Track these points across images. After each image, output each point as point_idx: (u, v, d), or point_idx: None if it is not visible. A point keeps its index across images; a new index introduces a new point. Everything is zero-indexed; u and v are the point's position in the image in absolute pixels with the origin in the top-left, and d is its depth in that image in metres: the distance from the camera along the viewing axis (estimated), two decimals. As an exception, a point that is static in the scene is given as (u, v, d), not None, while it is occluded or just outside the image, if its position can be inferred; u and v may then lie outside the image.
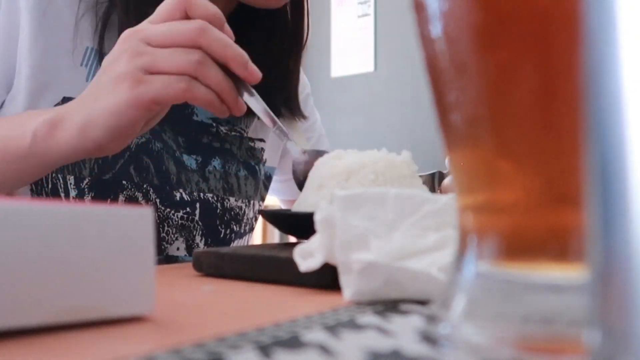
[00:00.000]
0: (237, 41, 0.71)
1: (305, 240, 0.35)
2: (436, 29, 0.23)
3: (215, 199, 0.73)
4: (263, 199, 0.82)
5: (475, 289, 0.22)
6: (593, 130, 0.13)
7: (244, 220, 0.77)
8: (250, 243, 0.83)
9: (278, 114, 0.75)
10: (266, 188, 0.82)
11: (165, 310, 0.27)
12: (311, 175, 0.49)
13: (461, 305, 0.22)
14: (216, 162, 0.74)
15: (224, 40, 0.49)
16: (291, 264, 0.34)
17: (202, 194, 0.71)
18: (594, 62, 0.13)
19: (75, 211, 0.24)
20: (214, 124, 0.74)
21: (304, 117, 0.80)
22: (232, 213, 0.75)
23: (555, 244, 0.21)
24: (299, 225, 0.46)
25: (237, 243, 0.77)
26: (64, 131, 0.49)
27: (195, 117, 0.72)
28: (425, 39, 0.24)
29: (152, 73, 0.48)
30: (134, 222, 0.25)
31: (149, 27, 0.49)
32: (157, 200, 0.68)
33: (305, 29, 0.77)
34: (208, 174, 0.73)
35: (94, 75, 0.63)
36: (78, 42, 0.63)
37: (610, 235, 0.12)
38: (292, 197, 0.92)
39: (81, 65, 0.63)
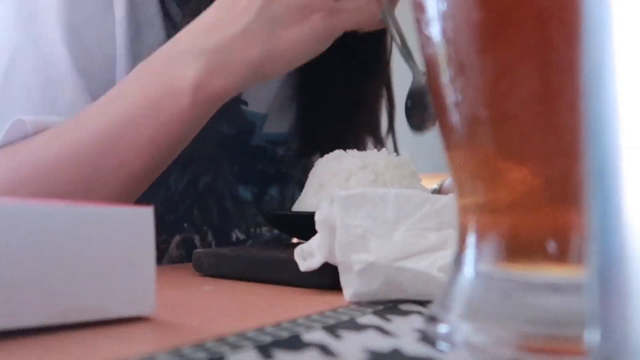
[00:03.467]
0: (324, 64, 0.59)
1: (305, 241, 0.35)
2: (436, 29, 0.23)
3: (267, 230, 0.67)
4: None
5: (475, 289, 0.22)
6: (592, 130, 0.13)
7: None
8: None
9: (363, 142, 0.67)
10: None
11: (165, 310, 0.27)
12: (311, 175, 0.49)
13: (461, 306, 0.22)
14: (273, 190, 0.67)
15: None
16: (291, 264, 0.34)
17: (257, 229, 0.66)
18: (593, 62, 0.13)
19: (75, 211, 0.24)
20: (270, 147, 0.66)
21: (383, 145, 0.69)
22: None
23: (555, 244, 0.21)
24: (299, 225, 0.46)
25: None
26: (231, 76, 0.43)
27: (252, 142, 0.65)
28: (425, 39, 0.24)
29: None
30: (134, 222, 0.25)
31: None
32: (213, 242, 0.63)
33: (389, 48, 0.67)
34: (265, 203, 0.66)
35: None
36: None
37: (610, 235, 0.12)
38: None
39: None
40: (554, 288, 0.20)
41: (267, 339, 0.22)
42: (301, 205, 0.48)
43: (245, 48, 0.42)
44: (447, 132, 0.24)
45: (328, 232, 0.32)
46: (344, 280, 0.31)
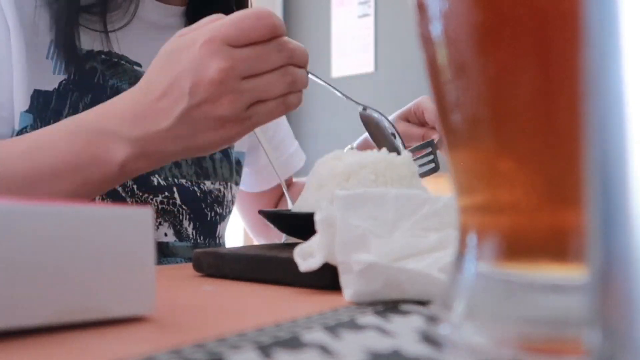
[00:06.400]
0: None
1: (305, 241, 0.35)
2: (437, 29, 0.23)
3: (190, 183, 0.73)
4: (237, 184, 0.82)
5: (475, 289, 0.22)
6: (593, 130, 0.13)
7: (224, 203, 0.78)
8: (250, 239, 0.83)
9: None
10: (238, 173, 0.82)
11: (165, 310, 0.27)
12: (311, 175, 0.49)
13: (461, 306, 0.22)
14: None
15: (303, 52, 0.52)
16: (291, 264, 0.34)
17: (176, 179, 0.72)
18: (594, 62, 0.13)
19: (75, 211, 0.24)
20: None
21: None
22: (213, 195, 0.76)
23: (555, 244, 0.21)
24: (299, 225, 0.46)
25: (221, 226, 0.78)
26: (156, 162, 0.52)
27: None
28: (426, 39, 0.24)
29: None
30: (134, 222, 0.25)
31: (240, 59, 0.49)
32: (134, 186, 0.68)
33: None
34: (180, 159, 0.72)
35: (59, 68, 0.65)
36: (40, 36, 0.64)
37: (610, 235, 0.12)
38: (256, 189, 0.92)
39: (46, 58, 0.64)
40: (555, 288, 0.20)
41: (267, 339, 0.22)
42: (301, 205, 0.48)
43: (168, 143, 0.50)
44: (447, 132, 0.24)
45: (328, 232, 0.32)
46: (344, 280, 0.31)
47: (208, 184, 0.75)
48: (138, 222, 0.25)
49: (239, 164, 0.82)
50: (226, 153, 0.78)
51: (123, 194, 0.67)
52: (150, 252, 0.26)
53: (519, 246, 0.22)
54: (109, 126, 0.51)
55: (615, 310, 0.12)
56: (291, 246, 0.41)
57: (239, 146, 0.82)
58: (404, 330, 0.24)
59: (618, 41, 0.12)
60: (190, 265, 0.43)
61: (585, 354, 0.14)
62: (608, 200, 0.12)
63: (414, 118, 0.81)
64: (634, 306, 0.12)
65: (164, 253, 0.70)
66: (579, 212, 0.20)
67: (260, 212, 0.49)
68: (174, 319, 0.26)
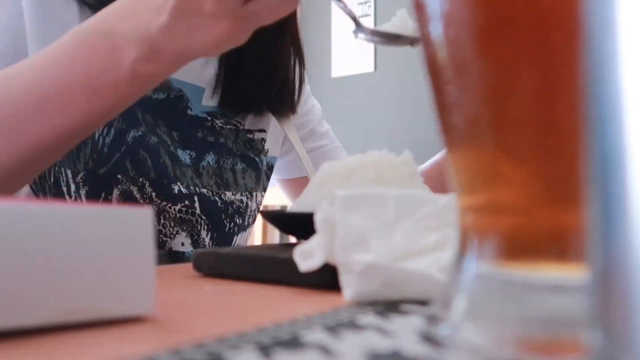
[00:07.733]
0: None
1: (305, 240, 0.35)
2: (436, 29, 0.23)
3: (211, 193, 0.72)
4: (264, 189, 0.81)
5: (475, 289, 0.22)
6: (593, 131, 0.13)
7: (247, 213, 0.77)
8: (250, 239, 0.83)
9: (279, 99, 0.77)
10: (268, 178, 0.81)
11: (165, 310, 0.27)
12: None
13: (461, 306, 0.22)
14: (210, 158, 0.73)
15: None
16: (291, 264, 0.34)
17: (197, 189, 0.71)
18: (594, 63, 0.13)
19: (76, 211, 0.24)
20: (209, 118, 0.73)
21: (293, 112, 0.81)
22: (234, 206, 0.75)
23: (556, 244, 0.21)
24: (299, 225, 0.46)
25: (240, 236, 0.77)
26: (165, 65, 0.49)
27: (189, 112, 0.71)
28: (426, 39, 0.24)
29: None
30: (134, 222, 0.25)
31: None
32: (153, 194, 0.67)
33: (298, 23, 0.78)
34: (202, 169, 0.71)
35: None
36: None
37: (610, 235, 0.12)
38: (293, 175, 0.91)
39: None
40: (555, 288, 0.20)
41: (267, 339, 0.22)
42: (301, 204, 0.48)
43: (169, 41, 0.47)
44: (447, 132, 0.24)
45: (328, 232, 0.32)
46: (344, 280, 0.31)
47: (229, 195, 0.74)
48: (138, 222, 0.25)
49: (270, 169, 0.81)
50: (252, 163, 0.77)
51: (141, 201, 0.66)
52: (150, 252, 0.26)
53: (519, 246, 0.22)
54: (110, 26, 0.48)
55: (615, 310, 0.12)
56: (291, 246, 0.41)
57: (272, 152, 0.81)
58: (404, 330, 0.24)
59: (618, 41, 0.12)
60: (190, 265, 0.43)
61: (585, 354, 0.14)
62: (608, 200, 0.12)
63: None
64: (634, 306, 0.12)
65: (179, 262, 0.70)
66: (579, 212, 0.20)
67: (260, 212, 0.49)
68: (174, 319, 0.26)
